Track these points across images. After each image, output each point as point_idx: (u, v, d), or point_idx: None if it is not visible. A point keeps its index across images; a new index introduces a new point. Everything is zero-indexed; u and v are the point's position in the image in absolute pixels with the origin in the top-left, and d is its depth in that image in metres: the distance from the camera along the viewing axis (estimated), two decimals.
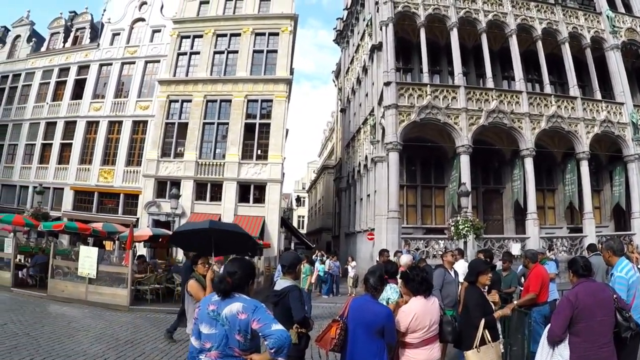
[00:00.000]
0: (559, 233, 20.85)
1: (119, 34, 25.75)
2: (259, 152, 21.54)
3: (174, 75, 23.25)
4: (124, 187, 22.96)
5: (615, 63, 21.14)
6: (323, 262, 18.63)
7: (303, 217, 67.63)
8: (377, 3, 21.80)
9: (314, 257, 21.17)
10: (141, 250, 18.93)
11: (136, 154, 23.33)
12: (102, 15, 27.95)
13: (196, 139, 21.81)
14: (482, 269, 4.55)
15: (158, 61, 24.13)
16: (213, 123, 22.24)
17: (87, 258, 11.52)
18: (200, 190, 21.66)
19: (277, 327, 2.50)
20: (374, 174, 21.28)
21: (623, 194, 20.73)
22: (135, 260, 13.30)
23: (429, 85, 19.21)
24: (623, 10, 22.79)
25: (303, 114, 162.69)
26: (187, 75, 23.24)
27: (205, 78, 22.64)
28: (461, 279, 6.86)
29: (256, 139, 21.60)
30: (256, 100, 22.05)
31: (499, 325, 4.83)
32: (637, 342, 3.63)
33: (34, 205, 20.56)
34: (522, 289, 7.19)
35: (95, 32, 27.12)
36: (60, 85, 26.48)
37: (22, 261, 14.29)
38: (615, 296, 3.53)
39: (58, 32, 28.05)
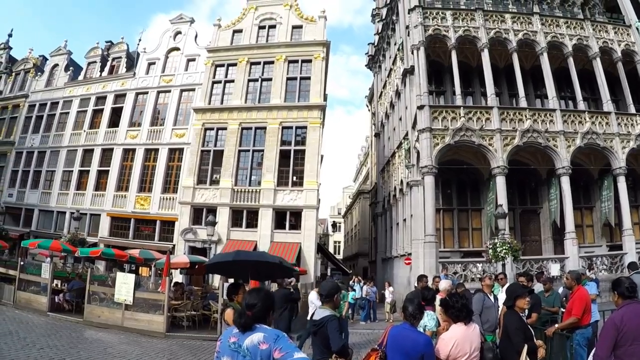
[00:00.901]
0: (599, 251, 20.42)
1: (154, 63, 26.66)
2: (295, 178, 21.82)
3: (209, 103, 23.91)
4: (160, 214, 23.43)
5: None
6: (353, 289, 18.69)
7: (339, 242, 67.87)
8: (407, 27, 22.03)
9: (350, 282, 21.29)
10: (177, 276, 19.18)
11: (172, 181, 23.87)
12: (138, 44, 29.03)
13: (232, 166, 22.26)
14: (520, 293, 4.58)
15: (193, 89, 24.86)
16: (248, 150, 22.69)
17: (124, 284, 11.73)
18: (237, 217, 21.98)
19: (299, 355, 2.46)
20: (409, 198, 21.28)
21: None
22: (172, 287, 13.45)
23: (462, 108, 19.29)
24: None
25: (337, 140, 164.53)
26: (222, 103, 23.86)
27: (240, 106, 23.20)
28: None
29: (291, 166, 21.90)
30: (291, 127, 22.44)
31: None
32: None
33: (71, 231, 21.15)
34: (564, 310, 7.17)
35: (131, 61, 28.12)
36: (98, 113, 27.43)
37: (59, 286, 14.51)
38: None
39: (95, 62, 29.18)
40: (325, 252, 33.80)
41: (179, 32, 26.97)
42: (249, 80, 23.88)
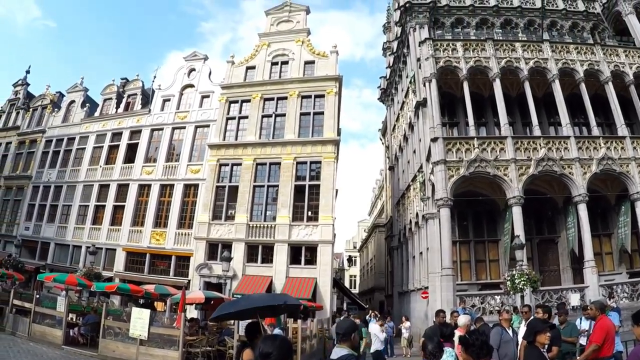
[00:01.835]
0: (619, 279, 20.05)
1: (169, 99, 27.49)
2: (310, 213, 22.08)
3: (224, 140, 24.50)
4: (175, 249, 23.77)
5: None
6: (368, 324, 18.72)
7: (355, 276, 68.27)
8: (418, 60, 22.57)
9: (367, 317, 21.32)
10: (192, 312, 19.36)
11: (187, 217, 24.29)
12: (153, 81, 29.95)
13: (247, 201, 22.64)
14: (540, 329, 4.57)
15: (208, 125, 25.52)
16: (263, 186, 23.09)
17: (139, 319, 11.80)
18: (252, 253, 22.22)
19: None
20: (425, 231, 21.40)
21: None
22: (187, 322, 13.44)
23: (476, 139, 19.48)
24: None
25: (352, 173, 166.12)
26: (236, 139, 24.44)
27: (254, 141, 23.73)
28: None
29: (306, 201, 22.19)
30: (305, 162, 22.82)
31: None
32: None
33: (87, 265, 21.54)
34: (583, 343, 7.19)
35: (146, 97, 29.00)
36: (113, 149, 28.21)
37: (74, 320, 14.66)
38: None
39: (111, 98, 30.14)
40: (341, 287, 33.85)
41: (193, 69, 27.86)
42: (263, 116, 24.48)
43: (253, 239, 22.15)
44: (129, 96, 29.64)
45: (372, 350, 12.41)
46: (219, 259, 21.13)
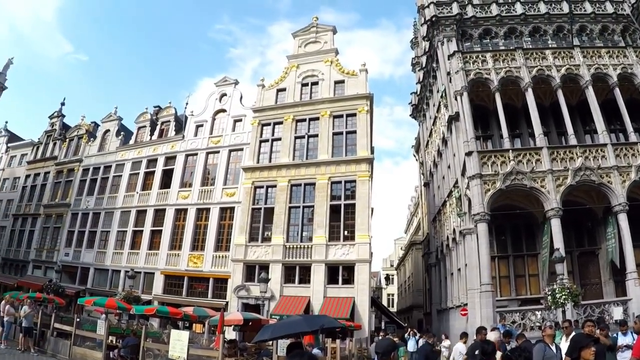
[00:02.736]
0: None
1: (202, 125, 28.53)
2: (346, 232, 22.32)
3: (258, 162, 25.17)
4: (213, 272, 24.34)
5: None
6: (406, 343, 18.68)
7: (392, 295, 68.33)
8: (448, 73, 22.68)
9: (405, 335, 21.34)
10: (230, 333, 19.46)
11: (224, 239, 24.95)
12: (185, 108, 31.23)
13: (283, 222, 23.10)
14: (585, 344, 4.45)
15: (241, 149, 26.32)
16: (298, 206, 23.53)
17: (178, 341, 11.74)
18: (289, 273, 22.54)
19: None
20: (463, 247, 21.39)
21: None
22: (226, 343, 13.97)
23: (510, 151, 19.43)
24: None
25: (386, 191, 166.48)
26: (270, 161, 25.07)
27: (288, 163, 24.29)
28: None
29: (342, 220, 22.46)
30: (340, 182, 23.16)
31: None
32: None
33: (126, 289, 22.28)
34: None
35: (180, 124, 30.16)
36: (149, 175, 29.36)
37: (114, 342, 14.92)
38: None
39: (145, 126, 31.48)
40: (378, 306, 33.85)
41: (224, 94, 28.87)
42: (296, 137, 25.07)
43: (290, 260, 22.50)
44: (162, 123, 30.88)
45: None
46: (256, 281, 21.68)
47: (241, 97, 28.42)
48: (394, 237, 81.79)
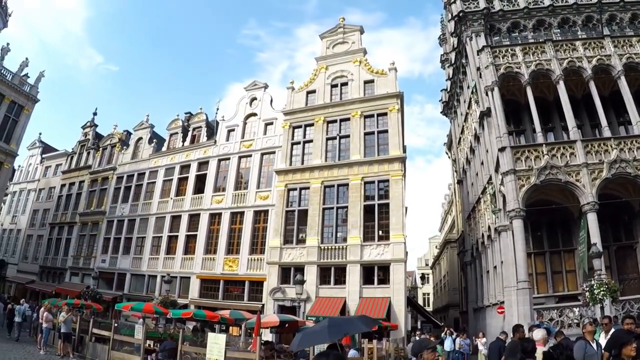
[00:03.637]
0: None
1: (233, 129, 29.35)
2: (380, 232, 22.59)
3: (290, 165, 25.78)
4: (248, 275, 24.93)
5: None
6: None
7: (428, 294, 68.53)
8: (478, 69, 22.77)
9: (442, 335, 21.54)
10: (267, 335, 20.04)
11: (259, 242, 25.56)
12: (216, 113, 32.25)
13: (317, 224, 23.58)
14: (625, 340, 4.50)
15: (273, 152, 26.97)
16: (332, 207, 23.96)
17: (215, 344, 12.16)
18: (324, 275, 22.92)
19: None
20: (498, 244, 21.42)
21: None
22: (262, 345, 13.81)
23: (544, 145, 19.35)
24: None
25: (420, 190, 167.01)
26: (302, 163, 25.63)
27: (321, 164, 24.78)
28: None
29: (376, 220, 22.75)
30: (373, 182, 23.49)
31: None
32: None
33: (162, 294, 23.09)
34: None
35: (211, 129, 31.09)
36: (183, 180, 30.29)
37: (152, 346, 15.46)
38: None
39: (176, 132, 32.50)
40: (414, 305, 34.06)
41: (255, 98, 29.61)
42: (327, 139, 25.55)
43: (325, 261, 22.91)
44: (194, 129, 31.83)
45: None
46: (291, 283, 22.13)
47: (271, 101, 29.10)
48: (428, 235, 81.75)
